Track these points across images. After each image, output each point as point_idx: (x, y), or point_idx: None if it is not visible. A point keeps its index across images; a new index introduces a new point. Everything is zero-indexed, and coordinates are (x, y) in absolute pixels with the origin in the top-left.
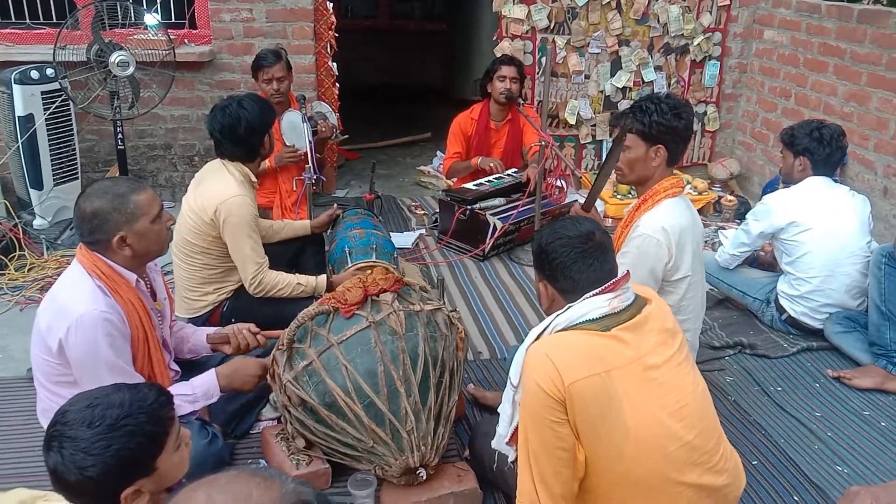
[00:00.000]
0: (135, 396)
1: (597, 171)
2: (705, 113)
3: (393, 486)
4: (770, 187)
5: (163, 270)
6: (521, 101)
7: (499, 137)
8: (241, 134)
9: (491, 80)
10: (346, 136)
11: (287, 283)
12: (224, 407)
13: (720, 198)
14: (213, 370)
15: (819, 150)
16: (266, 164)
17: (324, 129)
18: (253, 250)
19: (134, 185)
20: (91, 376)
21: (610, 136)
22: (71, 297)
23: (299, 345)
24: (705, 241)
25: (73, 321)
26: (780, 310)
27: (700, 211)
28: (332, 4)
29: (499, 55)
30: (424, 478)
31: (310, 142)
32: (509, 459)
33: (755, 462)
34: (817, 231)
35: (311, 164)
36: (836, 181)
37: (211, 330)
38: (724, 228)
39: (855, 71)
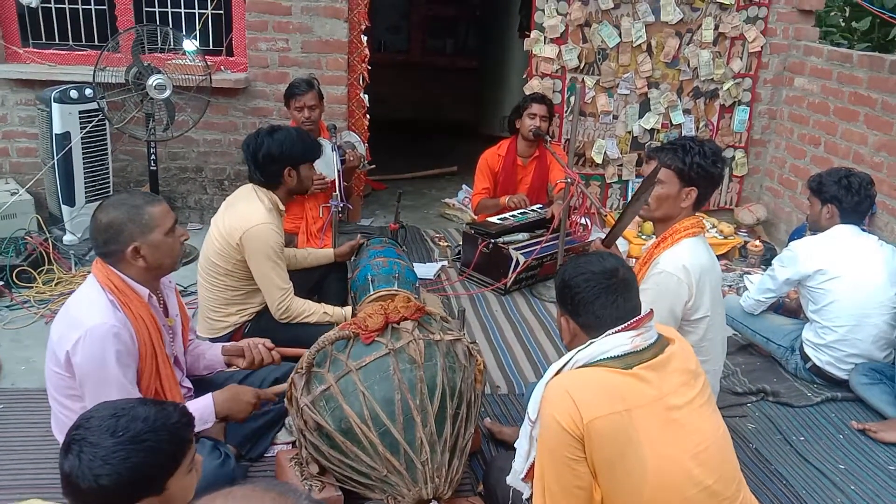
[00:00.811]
0: (160, 413)
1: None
2: (733, 158)
3: None
4: (797, 234)
5: (187, 290)
6: (549, 139)
7: (525, 174)
8: (260, 160)
9: (520, 117)
10: (373, 166)
11: (313, 311)
12: (240, 428)
13: (746, 243)
14: (210, 395)
15: (847, 198)
16: None
17: (351, 159)
18: (278, 276)
19: (149, 197)
20: (94, 390)
21: (637, 175)
22: (82, 310)
23: (318, 369)
24: (730, 286)
25: (82, 333)
26: (805, 358)
27: (725, 256)
28: (366, 38)
29: (528, 93)
30: None
31: (338, 170)
32: (524, 496)
33: None
34: (844, 280)
35: (338, 192)
36: (864, 230)
37: (227, 344)
38: (750, 274)
39: (886, 121)
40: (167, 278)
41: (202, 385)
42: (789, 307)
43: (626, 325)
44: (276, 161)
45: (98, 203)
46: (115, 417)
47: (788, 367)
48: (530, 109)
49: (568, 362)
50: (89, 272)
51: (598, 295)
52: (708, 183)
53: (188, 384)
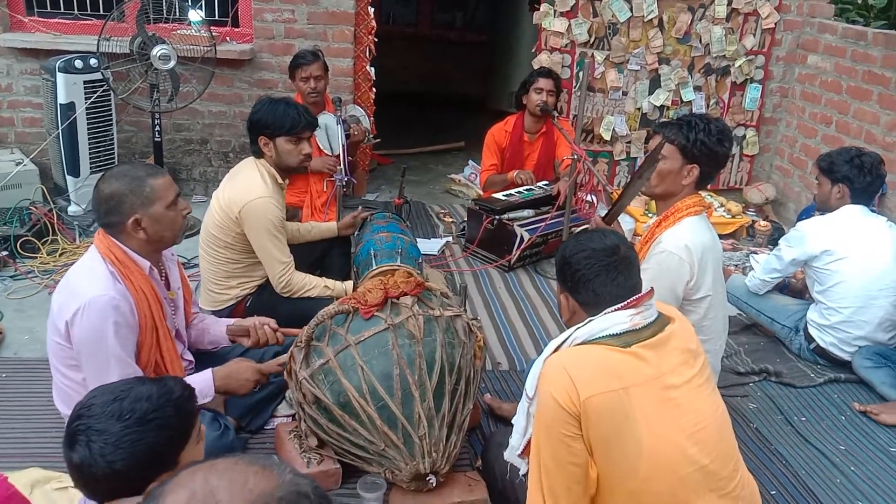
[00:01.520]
0: (161, 389)
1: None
2: (744, 136)
3: (402, 490)
4: (806, 214)
5: (190, 262)
6: (556, 115)
7: (532, 150)
8: (247, 122)
9: (527, 92)
10: (378, 140)
11: (315, 285)
12: (241, 400)
13: (754, 222)
14: (209, 370)
15: (859, 178)
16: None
17: (356, 133)
18: (278, 250)
19: (151, 169)
20: (92, 361)
21: (645, 152)
22: (83, 281)
23: (317, 343)
24: (736, 266)
25: (82, 304)
26: (809, 339)
27: (733, 235)
28: (373, 10)
29: (537, 67)
30: (434, 485)
31: (342, 144)
32: (521, 472)
33: (774, 492)
34: (852, 261)
35: (342, 166)
36: (873, 211)
37: (231, 321)
38: (756, 253)
39: None
40: (169, 251)
41: (204, 358)
42: (795, 287)
43: (625, 303)
44: (252, 129)
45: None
46: (117, 401)
47: (792, 347)
48: (536, 84)
49: (566, 339)
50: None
51: (598, 272)
52: (711, 161)
53: (189, 357)
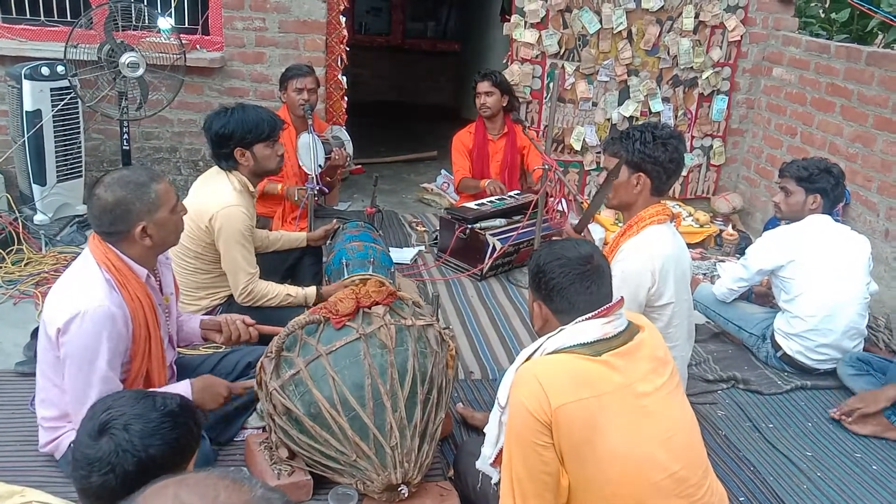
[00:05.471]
0: (180, 397)
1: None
2: (711, 147)
3: (374, 501)
4: (772, 224)
5: None
6: (527, 125)
7: (496, 150)
8: (212, 137)
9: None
10: (359, 166)
11: (276, 293)
12: (210, 412)
13: (721, 231)
14: (188, 381)
15: (837, 188)
16: (278, 188)
17: (337, 158)
18: (245, 260)
19: (152, 174)
20: (76, 372)
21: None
22: (79, 289)
23: (288, 353)
24: (704, 275)
25: (77, 312)
26: (776, 347)
27: (701, 244)
28: (344, 19)
29: (509, 78)
30: (406, 495)
31: (320, 165)
32: (493, 481)
33: (742, 498)
34: (817, 270)
35: (313, 176)
36: (837, 220)
37: (205, 317)
38: (724, 262)
39: (861, 112)
40: (163, 255)
41: (178, 369)
42: (759, 292)
43: (596, 312)
44: (224, 140)
45: (71, 182)
46: (148, 397)
47: (759, 355)
48: (477, 89)
49: (538, 348)
50: (61, 253)
51: (572, 281)
52: (655, 167)
53: (174, 368)
